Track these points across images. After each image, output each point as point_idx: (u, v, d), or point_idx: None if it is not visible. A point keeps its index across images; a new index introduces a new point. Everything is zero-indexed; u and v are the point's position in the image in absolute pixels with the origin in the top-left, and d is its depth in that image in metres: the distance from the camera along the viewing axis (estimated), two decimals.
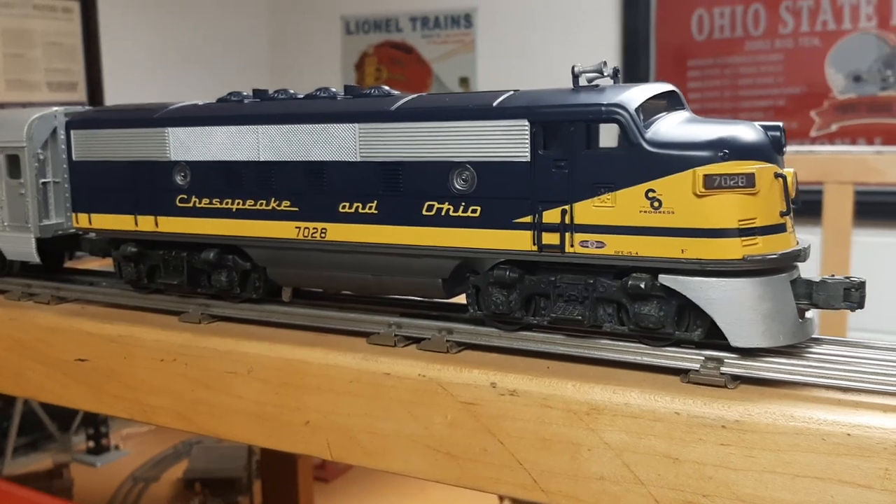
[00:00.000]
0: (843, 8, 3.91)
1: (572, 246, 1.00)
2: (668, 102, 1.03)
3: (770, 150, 0.95)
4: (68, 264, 1.65)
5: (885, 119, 3.90)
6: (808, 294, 0.96)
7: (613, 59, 4.24)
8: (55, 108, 1.44)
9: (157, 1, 4.42)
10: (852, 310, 0.95)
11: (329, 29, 5.02)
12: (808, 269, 0.99)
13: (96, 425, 3.53)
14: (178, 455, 3.44)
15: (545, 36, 4.44)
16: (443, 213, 1.08)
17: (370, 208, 1.13)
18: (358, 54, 5.00)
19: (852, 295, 0.94)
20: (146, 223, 1.32)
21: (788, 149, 1.00)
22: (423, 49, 4.83)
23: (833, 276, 0.96)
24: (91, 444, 3.53)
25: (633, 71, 4.24)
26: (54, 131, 1.43)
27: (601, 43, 4.30)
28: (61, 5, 4.00)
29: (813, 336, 0.99)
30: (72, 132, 1.38)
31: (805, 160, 2.98)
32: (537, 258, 1.03)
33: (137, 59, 4.28)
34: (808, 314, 0.98)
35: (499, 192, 1.04)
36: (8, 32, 3.77)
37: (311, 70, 5.06)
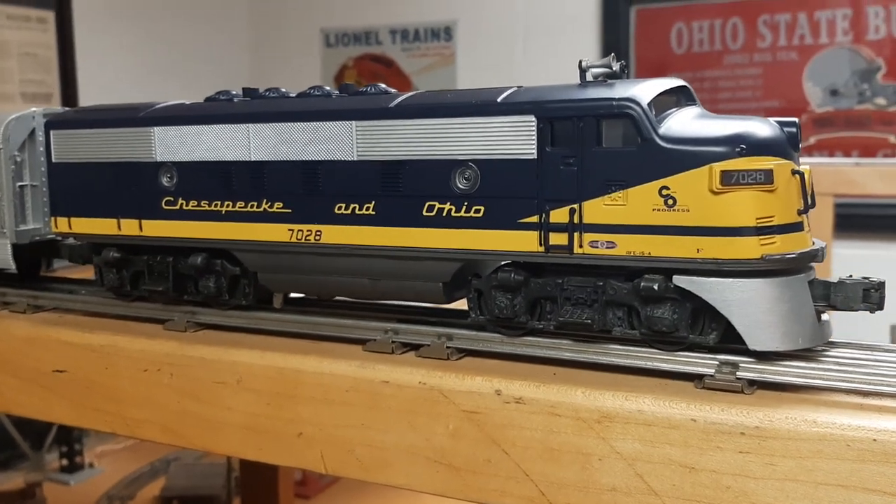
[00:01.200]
0: (820, 23, 3.95)
1: (581, 246, 0.96)
2: (679, 98, 1.00)
3: (787, 147, 0.92)
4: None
5: (862, 132, 3.94)
6: (826, 295, 0.93)
7: None
8: (33, 109, 1.38)
9: (135, 12, 4.36)
10: (871, 311, 0.92)
11: (309, 42, 4.99)
12: None
13: (70, 443, 3.44)
14: (155, 472, 3.36)
15: (525, 49, 4.45)
16: (444, 214, 1.04)
17: (368, 209, 1.08)
18: (337, 67, 4.98)
19: (872, 296, 0.91)
20: (130, 227, 1.27)
21: None
22: (403, 62, 4.81)
23: (851, 276, 0.93)
24: (65, 462, 3.44)
25: None
26: (32, 132, 1.37)
27: (581, 56, 4.28)
28: (36, 15, 3.93)
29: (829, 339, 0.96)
30: (52, 133, 1.32)
31: None
32: (544, 260, 0.99)
33: (114, 70, 4.21)
34: (825, 316, 0.95)
35: (503, 191, 1.00)
36: None
37: (290, 83, 4.98)
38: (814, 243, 0.95)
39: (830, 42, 3.94)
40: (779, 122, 0.94)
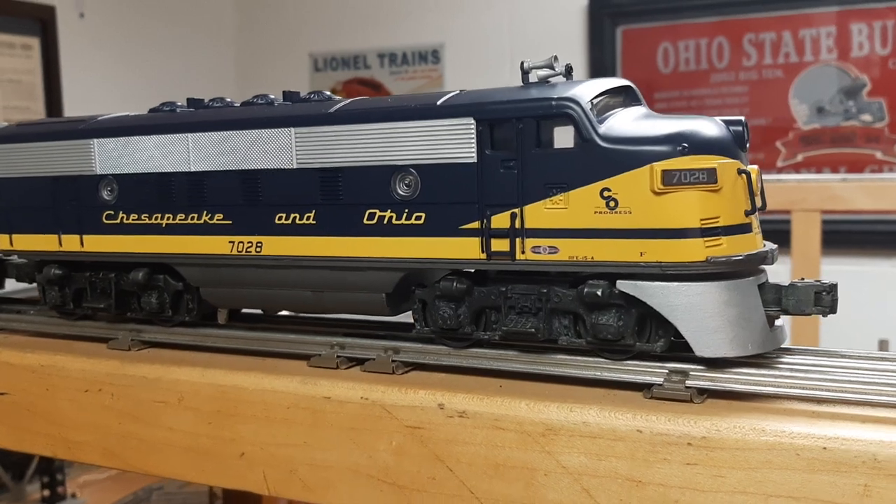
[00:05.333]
0: (805, 41, 3.95)
1: (523, 252, 0.93)
2: (624, 98, 0.97)
3: (732, 145, 0.89)
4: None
5: (848, 149, 3.92)
6: (778, 299, 0.90)
7: None
8: None
9: (121, 39, 4.36)
10: (824, 314, 0.88)
11: (297, 66, 4.99)
12: None
13: (52, 473, 3.37)
14: (138, 502, 3.29)
15: (513, 70, 4.44)
16: (385, 222, 1.00)
17: (308, 219, 1.05)
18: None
19: (823, 299, 0.87)
20: (71, 243, 1.23)
21: None
22: (392, 85, 4.81)
23: (803, 279, 0.89)
24: (46, 492, 3.37)
25: None
26: None
27: None
28: (20, 42, 3.93)
29: (783, 346, 0.92)
30: None
31: (772, 189, 2.95)
32: (486, 267, 0.96)
33: (99, 96, 4.20)
34: (778, 322, 0.92)
35: (444, 196, 0.96)
36: None
37: None
38: (764, 245, 0.91)
39: (815, 60, 3.94)
40: (725, 121, 0.91)
